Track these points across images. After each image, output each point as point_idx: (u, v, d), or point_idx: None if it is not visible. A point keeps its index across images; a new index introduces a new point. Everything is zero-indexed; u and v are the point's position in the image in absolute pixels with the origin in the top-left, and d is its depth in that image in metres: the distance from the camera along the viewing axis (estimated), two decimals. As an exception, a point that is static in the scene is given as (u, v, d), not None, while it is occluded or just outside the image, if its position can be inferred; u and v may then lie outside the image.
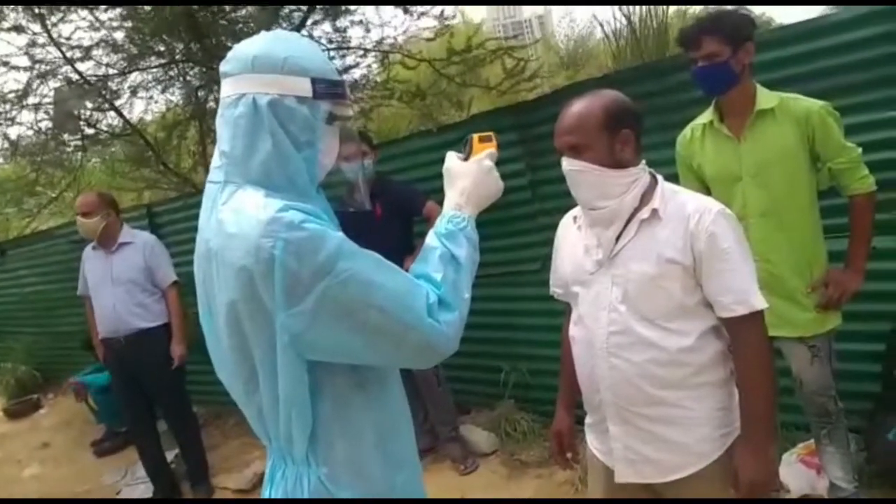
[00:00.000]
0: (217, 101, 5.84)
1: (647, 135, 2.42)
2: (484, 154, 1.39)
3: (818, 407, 2.24)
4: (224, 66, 1.22)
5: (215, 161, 1.23)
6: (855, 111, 2.45)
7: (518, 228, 3.44)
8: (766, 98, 2.08)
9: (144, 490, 3.87)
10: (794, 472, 2.56)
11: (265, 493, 1.32)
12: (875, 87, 2.50)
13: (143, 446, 3.74)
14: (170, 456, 3.93)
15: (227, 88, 1.20)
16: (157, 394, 3.64)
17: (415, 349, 1.17)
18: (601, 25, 8.67)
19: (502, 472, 3.16)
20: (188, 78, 7.17)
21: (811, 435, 2.40)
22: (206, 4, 5.94)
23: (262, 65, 1.17)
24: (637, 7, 7.42)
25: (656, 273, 1.51)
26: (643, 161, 1.58)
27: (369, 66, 7.90)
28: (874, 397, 2.56)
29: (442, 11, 7.25)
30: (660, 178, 1.60)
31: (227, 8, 6.57)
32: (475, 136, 1.43)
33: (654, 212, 1.53)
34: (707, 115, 2.21)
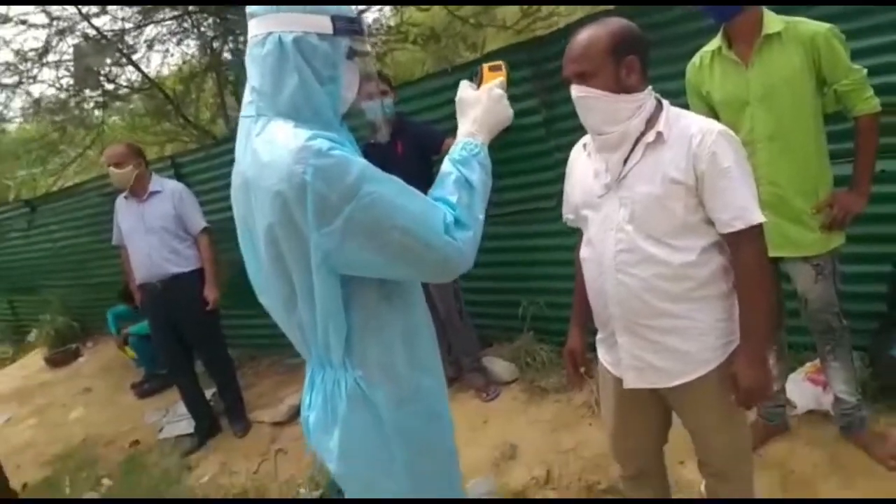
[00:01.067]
0: (232, 51, 5.95)
1: (658, 66, 2.52)
2: (494, 83, 1.49)
3: (823, 324, 2.34)
4: (250, 8, 1.32)
5: (246, 97, 1.34)
6: (861, 35, 2.47)
7: (533, 165, 3.51)
8: (772, 22, 2.12)
9: (186, 426, 4.13)
10: (800, 390, 2.69)
11: (306, 399, 1.47)
12: (881, 11, 2.51)
13: (183, 386, 3.97)
14: (208, 394, 4.18)
15: (254, 28, 1.29)
16: (193, 335, 3.84)
17: (434, 264, 1.29)
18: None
19: (522, 399, 3.34)
20: (202, 29, 7.22)
21: (818, 355, 2.51)
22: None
23: (285, 3, 1.26)
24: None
25: (661, 193, 1.61)
26: (649, 86, 1.66)
27: (381, 9, 7.88)
28: (880, 317, 2.65)
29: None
30: (665, 102, 1.68)
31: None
32: (485, 66, 1.54)
33: (659, 135, 1.62)
34: (715, 42, 2.25)
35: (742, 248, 1.60)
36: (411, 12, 7.61)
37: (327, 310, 1.31)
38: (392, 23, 7.85)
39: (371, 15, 7.82)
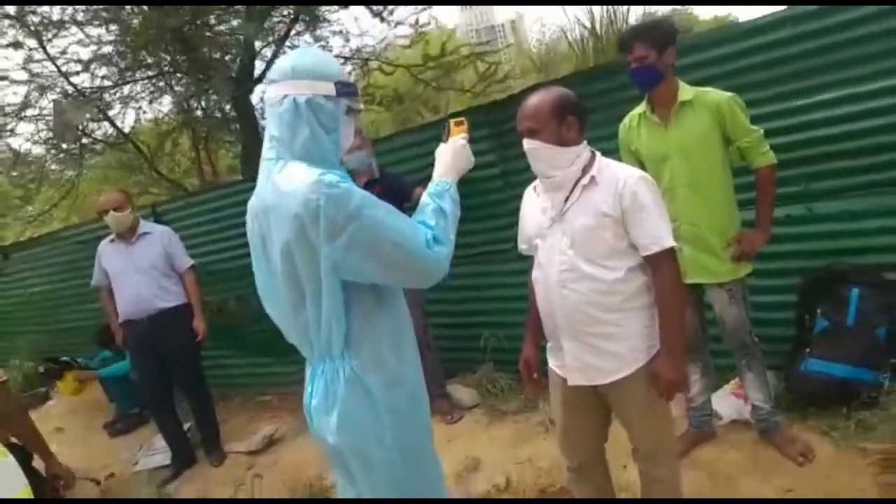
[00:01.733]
0: (204, 110, 6.31)
1: (602, 125, 2.99)
2: (458, 137, 1.90)
3: (738, 342, 2.75)
4: (270, 76, 1.70)
5: (267, 144, 1.70)
6: (760, 103, 3.00)
7: (492, 212, 3.94)
8: (685, 92, 2.60)
9: (162, 459, 4.29)
10: (725, 403, 3.09)
11: (308, 389, 1.77)
12: (776, 83, 3.04)
13: (163, 418, 4.17)
14: (185, 427, 4.37)
15: (273, 90, 1.66)
16: (177, 367, 4.07)
17: (419, 272, 1.65)
18: (564, 33, 9.19)
19: (484, 421, 3.65)
20: (176, 88, 7.57)
21: (737, 371, 2.92)
22: (193, 4, 6.18)
23: (298, 73, 1.64)
24: (599, 11, 8.01)
25: (595, 224, 2.01)
26: (585, 141, 2.09)
27: (349, 73, 8.39)
28: (791, 339, 3.10)
29: (417, 20, 7.71)
30: (597, 153, 2.11)
31: (213, 21, 6.96)
32: (452, 121, 1.96)
33: (593, 178, 2.04)
34: (641, 107, 2.73)
35: (659, 267, 2.01)
36: (377, 76, 8.11)
37: (331, 311, 1.63)
38: (359, 85, 8.37)
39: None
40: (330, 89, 1.65)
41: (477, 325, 4.11)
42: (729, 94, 2.60)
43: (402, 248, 1.59)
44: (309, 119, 1.63)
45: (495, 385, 3.86)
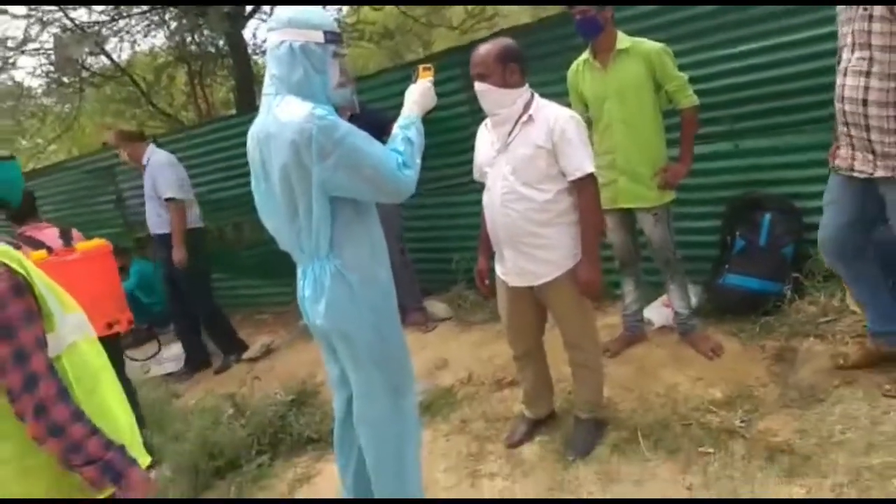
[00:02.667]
0: (198, 45, 6.64)
1: (555, 69, 3.39)
2: (425, 80, 2.34)
3: (663, 258, 3.25)
4: (270, 24, 2.11)
5: (267, 81, 2.11)
6: (691, 52, 3.45)
7: (463, 147, 4.33)
8: (622, 41, 3.01)
9: (173, 367, 4.87)
10: (656, 312, 3.64)
11: (300, 284, 2.22)
12: (703, 35, 3.49)
13: (178, 325, 4.81)
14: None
15: (273, 38, 2.07)
16: (183, 285, 4.61)
17: (391, 189, 2.07)
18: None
19: (455, 331, 4.21)
20: (170, 22, 7.79)
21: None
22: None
23: (294, 23, 2.04)
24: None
25: (531, 154, 2.47)
26: (526, 84, 2.52)
27: (340, 9, 8.62)
28: (712, 259, 3.61)
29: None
30: (536, 95, 2.54)
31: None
32: (420, 67, 2.42)
33: (531, 116, 2.49)
34: (586, 54, 3.15)
35: (582, 189, 2.48)
36: (366, 12, 8.34)
37: (320, 219, 2.06)
38: (350, 21, 8.59)
39: (330, 14, 8.49)
40: (319, 37, 2.06)
41: (449, 249, 4.62)
42: (660, 44, 3.02)
43: (378, 170, 2.02)
44: (302, 61, 2.04)
45: (465, 300, 4.42)
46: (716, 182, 3.61)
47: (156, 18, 7.70)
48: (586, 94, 3.14)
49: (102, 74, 7.46)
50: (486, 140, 2.65)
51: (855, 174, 2.54)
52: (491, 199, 2.60)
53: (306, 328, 5.11)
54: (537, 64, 3.49)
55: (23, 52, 7.02)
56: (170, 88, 7.89)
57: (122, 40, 7.47)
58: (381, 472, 2.32)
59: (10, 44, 6.90)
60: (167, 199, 4.49)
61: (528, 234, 2.53)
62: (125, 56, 7.65)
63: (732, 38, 3.42)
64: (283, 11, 2.10)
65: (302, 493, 3.13)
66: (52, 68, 7.05)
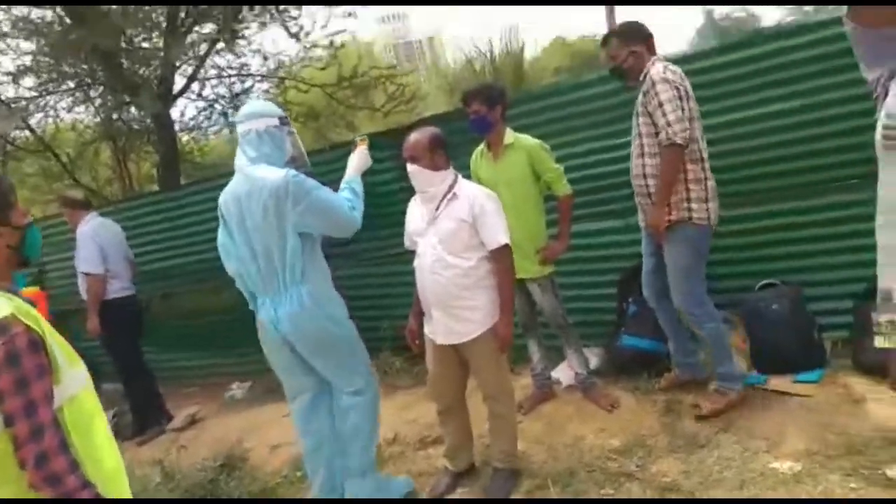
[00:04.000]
0: (124, 122, 6.85)
1: (464, 156, 3.87)
2: (362, 147, 3.24)
3: (555, 322, 3.68)
4: (237, 118, 2.95)
5: (240, 156, 2.89)
6: (570, 145, 4.11)
7: (391, 221, 4.66)
8: (509, 136, 3.52)
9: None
10: (563, 372, 4.04)
11: (269, 312, 2.93)
12: (583, 129, 4.16)
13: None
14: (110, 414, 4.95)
15: (242, 128, 2.89)
16: (110, 354, 4.73)
17: (346, 225, 2.94)
18: (470, 61, 10.24)
19: (381, 394, 4.42)
20: (95, 100, 7.95)
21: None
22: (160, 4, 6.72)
23: (255, 115, 2.89)
24: (498, 42, 9.06)
25: (456, 227, 2.87)
26: (451, 167, 2.96)
27: (267, 90, 9.04)
28: (612, 323, 4.10)
29: (331, 42, 8.45)
30: (459, 176, 2.98)
31: (134, 38, 7.42)
32: (358, 138, 3.20)
33: (455, 194, 2.91)
34: (483, 145, 3.66)
35: (499, 258, 2.89)
36: (294, 94, 8.78)
37: (294, 253, 2.83)
38: (278, 101, 8.97)
39: (256, 95, 8.89)
40: (275, 122, 2.93)
41: (378, 317, 4.92)
42: (537, 140, 3.55)
43: (336, 212, 2.90)
44: (267, 140, 2.89)
45: (391, 367, 4.70)
46: (609, 254, 4.14)
47: (80, 95, 7.86)
48: (483, 180, 3.58)
49: (25, 149, 7.49)
50: (416, 212, 3.06)
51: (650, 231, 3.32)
52: (421, 266, 2.98)
53: (232, 399, 5.28)
54: (455, 149, 3.97)
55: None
56: (94, 164, 7.97)
57: (46, 115, 7.57)
58: (357, 430, 3.09)
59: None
60: (83, 273, 4.67)
61: (454, 296, 2.90)
62: (49, 131, 7.71)
63: (620, 130, 4.04)
64: (245, 108, 3.00)
65: (232, 555, 3.26)
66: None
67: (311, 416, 3.14)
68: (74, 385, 1.68)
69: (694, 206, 3.17)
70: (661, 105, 3.06)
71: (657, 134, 3.14)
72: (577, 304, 4.29)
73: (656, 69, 3.12)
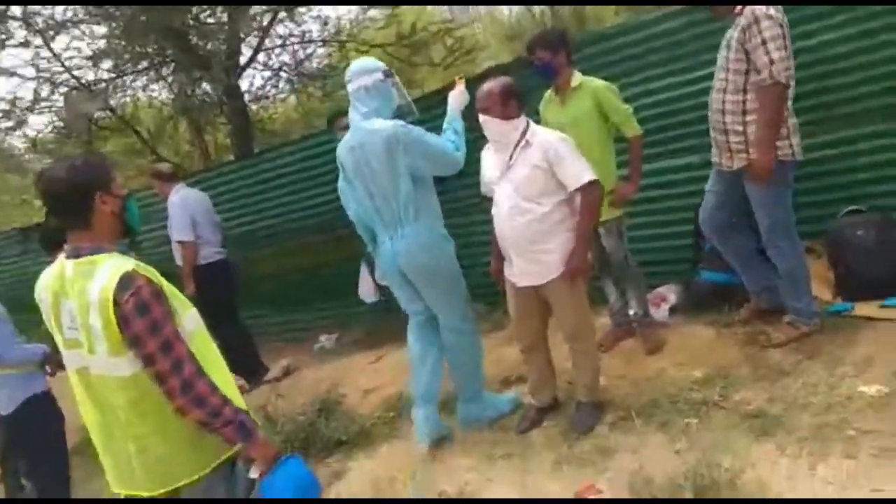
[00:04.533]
0: (197, 97, 7.11)
1: (536, 97, 3.91)
2: (459, 86, 3.41)
3: (617, 263, 3.73)
4: (346, 77, 3.27)
5: (352, 112, 3.24)
6: (642, 83, 4.10)
7: (468, 170, 4.70)
8: (575, 79, 3.54)
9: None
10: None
11: (388, 250, 3.29)
12: (648, 69, 4.11)
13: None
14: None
15: (351, 86, 3.21)
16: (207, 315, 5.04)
17: (451, 164, 3.27)
18: (529, 10, 10.05)
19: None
20: (169, 78, 8.28)
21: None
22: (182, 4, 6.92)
23: (362, 71, 3.22)
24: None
25: (530, 174, 2.97)
26: (524, 115, 3.04)
27: (329, 54, 9.19)
28: (688, 261, 4.12)
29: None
30: (531, 122, 3.06)
31: (199, 15, 7.67)
32: (455, 77, 3.46)
33: (527, 142, 3.00)
34: (551, 89, 3.69)
35: (585, 193, 2.95)
36: (354, 56, 8.89)
37: (407, 193, 3.16)
38: (339, 65, 9.12)
39: (320, 60, 9.06)
40: (380, 76, 3.21)
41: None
42: (604, 82, 3.55)
43: (442, 153, 3.22)
44: (374, 94, 3.19)
45: (473, 311, 4.85)
46: (686, 191, 4.13)
47: (154, 74, 8.20)
48: (550, 122, 3.63)
49: (109, 128, 7.93)
50: (490, 161, 3.17)
51: (723, 168, 3.34)
52: (499, 213, 3.10)
53: (322, 350, 5.59)
54: (524, 96, 4.03)
55: (34, 112, 7.48)
56: (174, 138, 8.37)
57: (125, 95, 7.96)
58: (461, 363, 3.47)
59: (20, 104, 7.35)
60: (178, 241, 4.97)
61: (531, 241, 3.01)
62: (128, 111, 8.11)
63: (691, 65, 3.99)
64: (351, 67, 3.29)
65: (336, 489, 3.53)
66: (62, 125, 7.50)
67: (420, 332, 3.55)
68: (191, 324, 1.91)
69: (778, 142, 3.12)
70: (764, 42, 2.96)
71: (748, 71, 3.08)
72: (655, 243, 4.34)
73: (759, 5, 3.00)
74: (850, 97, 3.67)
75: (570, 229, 3.03)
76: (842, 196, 3.78)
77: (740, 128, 3.20)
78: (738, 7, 3.11)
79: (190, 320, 1.93)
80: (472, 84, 4.74)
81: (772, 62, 2.98)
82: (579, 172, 2.94)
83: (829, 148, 3.76)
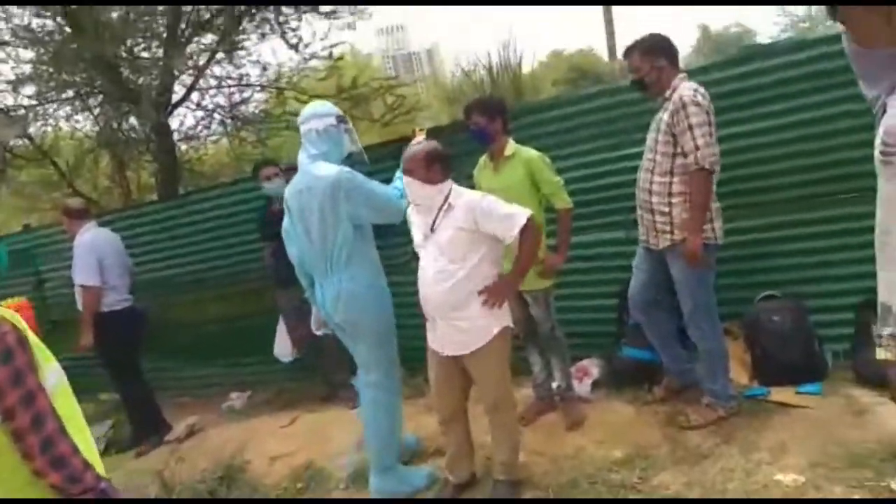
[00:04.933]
0: (123, 131, 6.87)
1: (471, 162, 3.89)
2: (418, 138, 3.40)
3: (544, 335, 3.69)
4: (299, 119, 3.34)
5: (302, 154, 3.29)
6: (572, 157, 4.18)
7: (395, 230, 4.74)
8: (509, 148, 3.55)
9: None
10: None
11: (320, 296, 3.33)
12: (580, 142, 4.21)
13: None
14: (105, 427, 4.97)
15: (303, 127, 3.28)
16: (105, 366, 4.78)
17: (394, 213, 3.24)
18: (467, 74, 10.29)
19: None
20: (95, 109, 7.97)
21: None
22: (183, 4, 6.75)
23: (315, 115, 3.27)
24: (496, 56, 9.14)
25: (454, 236, 2.89)
26: (449, 179, 2.99)
27: (266, 100, 9.08)
28: (614, 335, 4.13)
29: (330, 53, 8.50)
30: (454, 185, 3.00)
31: (134, 47, 7.46)
32: (417, 129, 3.43)
33: (450, 205, 2.94)
34: (486, 155, 3.69)
35: (522, 237, 2.87)
36: (292, 103, 8.80)
37: (343, 242, 3.18)
38: (276, 112, 9.02)
39: (255, 105, 8.94)
40: (333, 121, 3.27)
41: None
42: (537, 152, 3.57)
43: (384, 201, 3.22)
44: (325, 139, 3.24)
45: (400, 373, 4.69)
46: (611, 265, 4.18)
47: (80, 104, 7.87)
48: (483, 188, 3.59)
49: (25, 157, 7.52)
50: (416, 221, 3.09)
51: (650, 246, 3.42)
52: (423, 277, 3.01)
53: (231, 409, 5.28)
54: (458, 159, 3.99)
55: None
56: (93, 172, 7.99)
57: (45, 124, 7.59)
58: (378, 425, 3.37)
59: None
60: (80, 285, 4.63)
61: (454, 307, 2.92)
62: (48, 140, 7.72)
63: (622, 143, 4.08)
64: (305, 110, 3.35)
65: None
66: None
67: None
68: (54, 378, 1.73)
69: None
70: (691, 128, 3.07)
71: (675, 154, 3.18)
72: (579, 314, 4.33)
73: (687, 90, 3.12)
74: (769, 186, 3.82)
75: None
76: (759, 280, 3.88)
77: (666, 209, 3.27)
78: (668, 91, 3.21)
79: (52, 374, 1.74)
80: (404, 146, 4.81)
81: (697, 147, 3.07)
82: (512, 219, 2.87)
83: (751, 233, 3.87)
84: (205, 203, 5.69)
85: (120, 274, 4.83)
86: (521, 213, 2.90)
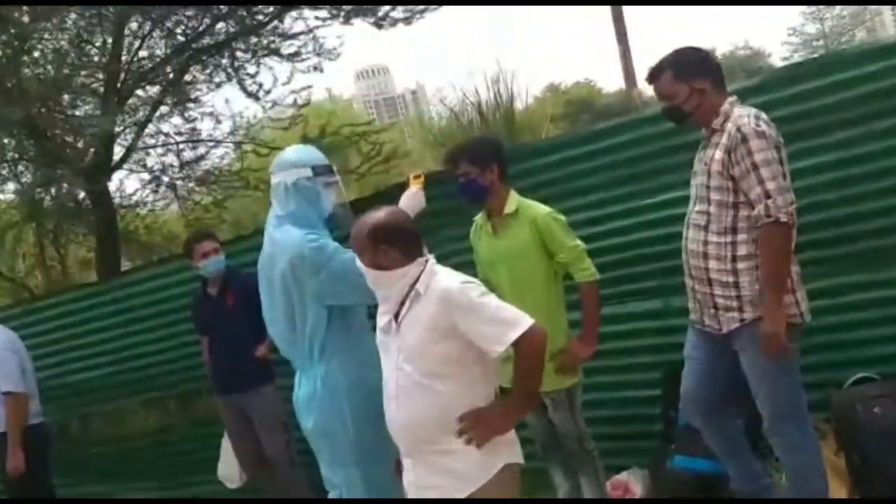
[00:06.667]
0: (54, 199, 6.28)
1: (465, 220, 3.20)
2: (414, 187, 2.91)
3: (569, 446, 3.01)
4: (271, 168, 2.82)
5: (270, 213, 2.79)
6: (584, 209, 3.52)
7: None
8: (511, 203, 2.92)
9: None
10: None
11: (296, 392, 2.77)
12: (598, 189, 3.57)
13: None
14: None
15: (273, 179, 2.76)
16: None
17: (366, 294, 2.38)
18: (455, 115, 9.81)
19: None
20: (21, 176, 7.42)
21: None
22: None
23: (286, 164, 2.73)
24: (485, 94, 8.70)
25: (422, 338, 2.13)
26: (417, 259, 2.22)
27: (221, 156, 8.57)
28: (657, 436, 3.39)
29: (295, 100, 8.04)
30: (429, 264, 2.26)
31: (66, 106, 6.94)
32: (411, 175, 2.99)
33: (417, 293, 2.19)
34: (482, 214, 3.07)
35: (520, 353, 2.14)
36: (252, 159, 8.28)
37: (314, 327, 2.66)
38: (234, 168, 8.50)
39: (210, 162, 8.44)
40: (308, 172, 2.70)
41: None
42: (547, 209, 2.94)
43: (356, 280, 2.35)
44: (294, 196, 2.70)
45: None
46: (647, 345, 3.50)
47: (4, 172, 7.33)
48: (480, 256, 3.06)
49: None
50: (379, 310, 2.35)
51: (706, 329, 2.73)
52: (386, 395, 2.25)
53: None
54: (451, 217, 3.58)
55: None
56: (15, 250, 7.37)
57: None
58: None
59: None
60: (4, 393, 3.98)
61: (430, 440, 2.17)
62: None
63: (648, 189, 3.43)
64: (279, 156, 2.87)
65: None
66: None
67: None
68: None
69: None
70: (756, 168, 2.41)
71: (737, 205, 2.51)
72: (613, 410, 3.67)
73: (745, 118, 2.46)
74: (857, 232, 3.17)
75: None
76: (850, 358, 3.21)
77: (730, 278, 2.58)
78: (716, 120, 2.55)
79: None
80: (392, 193, 4.14)
81: (768, 194, 2.39)
82: (504, 325, 2.13)
83: (830, 296, 3.19)
84: (147, 283, 4.96)
85: (35, 382, 4.30)
86: (518, 320, 2.15)
